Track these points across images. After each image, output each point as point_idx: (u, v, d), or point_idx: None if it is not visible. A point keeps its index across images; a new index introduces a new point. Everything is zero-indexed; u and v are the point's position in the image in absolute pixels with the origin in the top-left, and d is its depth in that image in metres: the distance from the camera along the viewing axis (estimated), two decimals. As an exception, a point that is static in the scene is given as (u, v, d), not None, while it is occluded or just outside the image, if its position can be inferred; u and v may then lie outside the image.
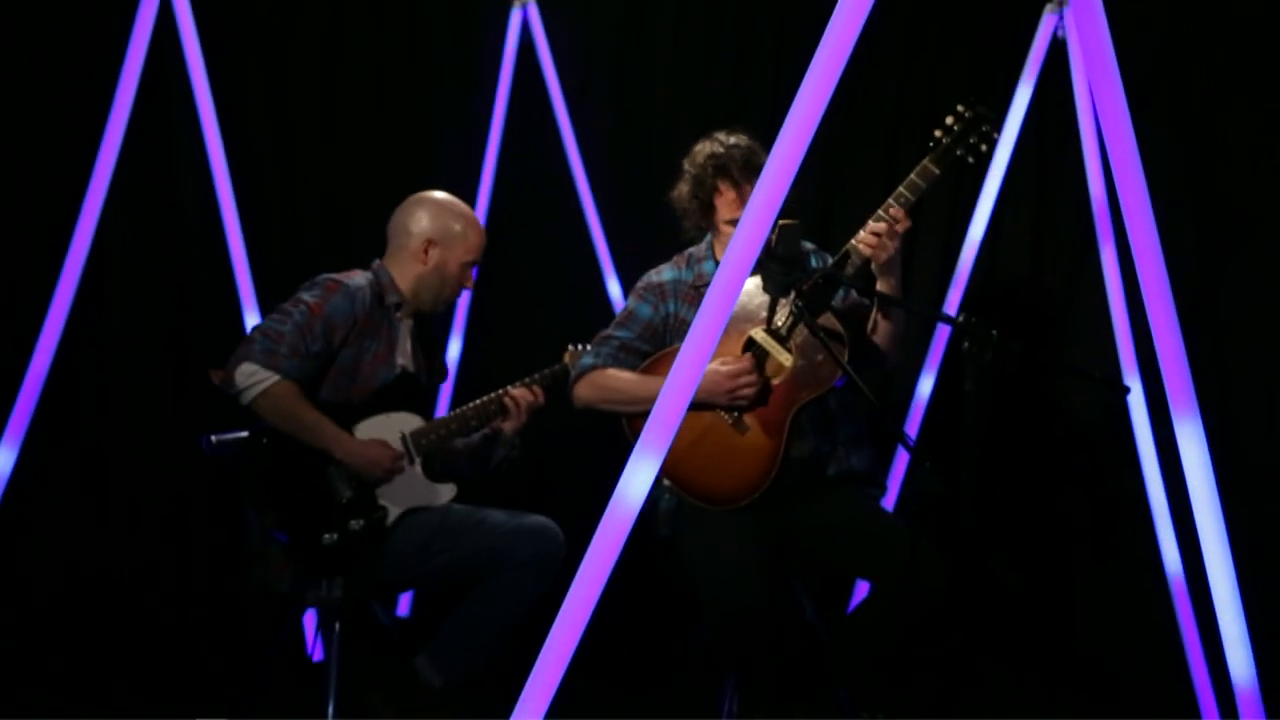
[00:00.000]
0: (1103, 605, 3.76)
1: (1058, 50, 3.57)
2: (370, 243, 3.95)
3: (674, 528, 2.98)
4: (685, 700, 3.19)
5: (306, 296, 2.84)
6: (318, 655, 3.57)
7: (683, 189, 3.00)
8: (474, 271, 3.06)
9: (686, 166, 3.00)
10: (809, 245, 3.08)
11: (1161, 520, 3.36)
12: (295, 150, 4.01)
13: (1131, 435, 3.39)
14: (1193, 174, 3.71)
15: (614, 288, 4.00)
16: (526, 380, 3.06)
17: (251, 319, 3.60)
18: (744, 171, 2.89)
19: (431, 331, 3.16)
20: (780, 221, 2.59)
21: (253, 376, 2.73)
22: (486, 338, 4.03)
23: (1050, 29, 3.54)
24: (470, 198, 3.95)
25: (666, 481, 2.96)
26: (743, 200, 2.87)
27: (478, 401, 3.00)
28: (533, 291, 4.12)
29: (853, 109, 4.03)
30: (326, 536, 2.76)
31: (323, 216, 4.05)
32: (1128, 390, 3.26)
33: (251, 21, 3.95)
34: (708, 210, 2.97)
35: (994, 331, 2.31)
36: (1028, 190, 3.90)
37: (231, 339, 3.74)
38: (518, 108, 4.02)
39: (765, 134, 3.17)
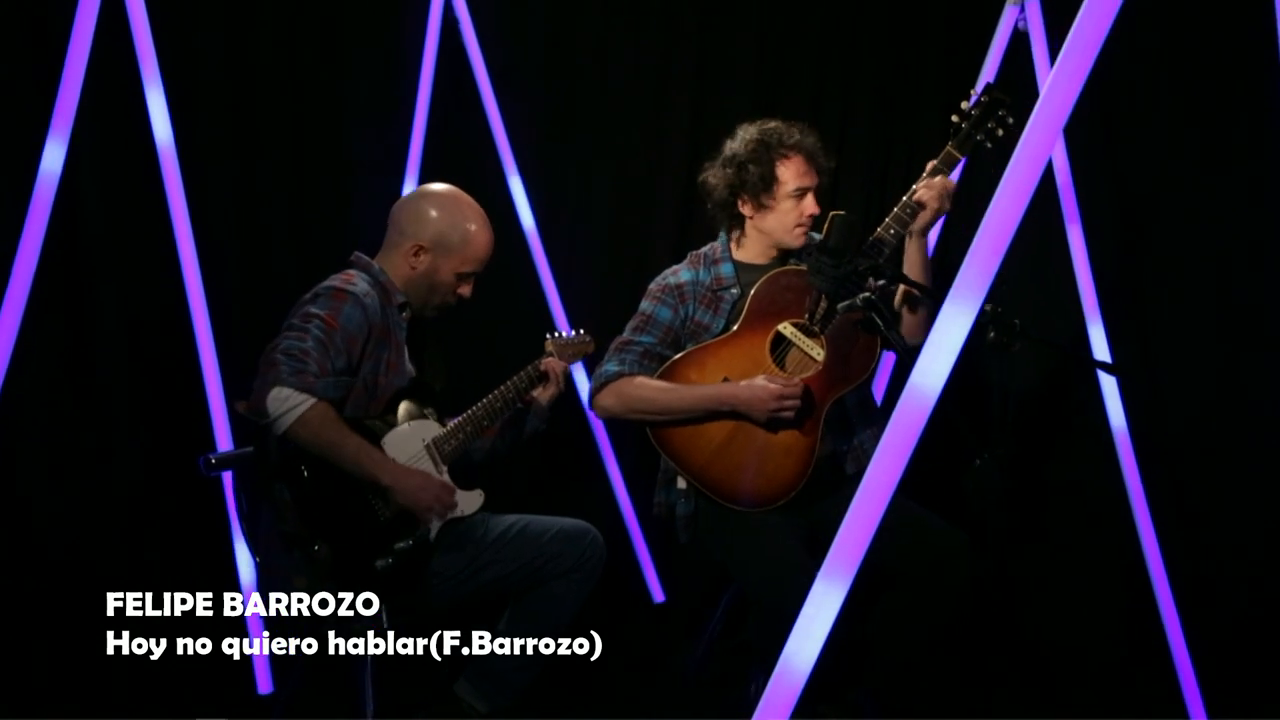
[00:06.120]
0: (1082, 601, 3.77)
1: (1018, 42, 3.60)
2: (290, 230, 3.69)
3: (693, 533, 2.87)
4: (713, 700, 3.10)
5: (316, 309, 2.54)
6: (265, 687, 3.28)
7: (728, 169, 2.89)
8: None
9: (735, 145, 2.90)
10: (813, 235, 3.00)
11: (1140, 510, 3.40)
12: (196, 127, 3.58)
13: (1106, 422, 3.43)
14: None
15: (544, 271, 3.91)
16: (521, 374, 2.89)
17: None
18: (805, 148, 2.87)
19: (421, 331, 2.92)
20: (832, 213, 2.51)
21: (287, 401, 2.42)
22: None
23: (1012, 22, 3.58)
24: (394, 182, 3.72)
25: (683, 485, 2.85)
26: (804, 173, 2.84)
27: (484, 400, 2.81)
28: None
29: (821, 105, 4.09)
30: (380, 562, 2.53)
31: (234, 200, 3.68)
32: (1128, 374, 3.32)
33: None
34: (766, 184, 2.84)
35: (1017, 321, 2.29)
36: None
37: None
38: (442, 88, 3.80)
39: (690, 108, 3.11)
